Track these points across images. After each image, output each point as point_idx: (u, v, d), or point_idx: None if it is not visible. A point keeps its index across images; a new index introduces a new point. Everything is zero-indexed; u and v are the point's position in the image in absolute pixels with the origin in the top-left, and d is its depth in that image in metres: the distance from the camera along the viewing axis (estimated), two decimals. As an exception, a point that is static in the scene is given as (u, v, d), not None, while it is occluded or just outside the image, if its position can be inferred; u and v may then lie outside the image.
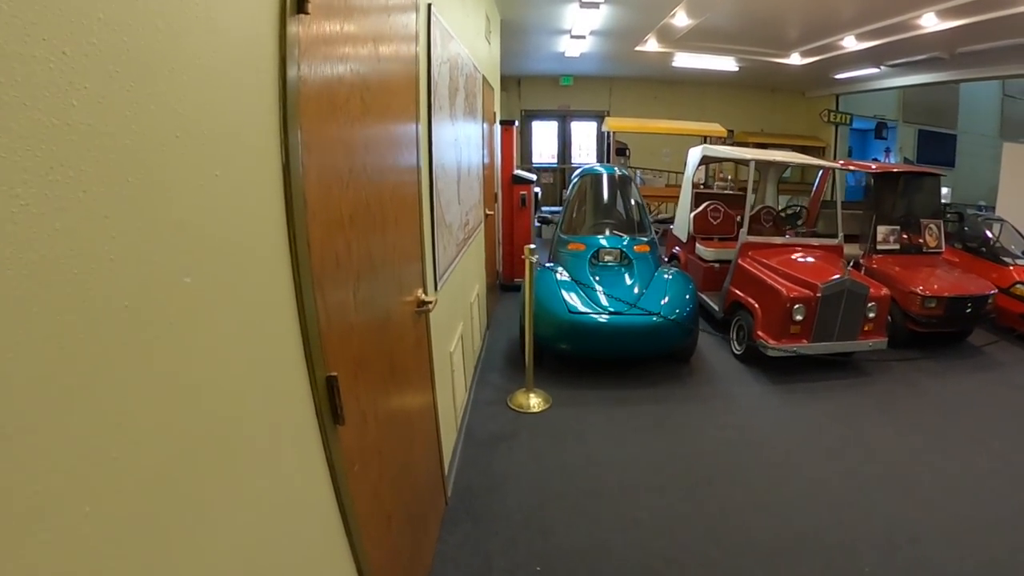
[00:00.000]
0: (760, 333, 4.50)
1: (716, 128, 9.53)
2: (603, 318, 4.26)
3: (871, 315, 4.57)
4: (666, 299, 4.42)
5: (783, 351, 4.38)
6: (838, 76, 10.72)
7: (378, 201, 1.85)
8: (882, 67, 9.31)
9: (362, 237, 1.71)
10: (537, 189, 6.89)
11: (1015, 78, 9.47)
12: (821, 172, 7.10)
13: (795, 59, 9.30)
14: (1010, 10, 5.41)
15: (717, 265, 5.79)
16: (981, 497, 3.22)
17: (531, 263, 3.95)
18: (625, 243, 5.02)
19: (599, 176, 5.88)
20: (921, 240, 5.93)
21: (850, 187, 11.36)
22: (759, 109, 13.22)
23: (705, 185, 9.61)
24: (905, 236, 5.82)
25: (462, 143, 3.72)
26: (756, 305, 4.59)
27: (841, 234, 5.23)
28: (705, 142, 8.98)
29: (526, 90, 12.69)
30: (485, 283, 5.36)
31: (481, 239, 5.06)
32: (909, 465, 3.55)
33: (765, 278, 4.58)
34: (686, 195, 6.55)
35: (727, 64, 9.99)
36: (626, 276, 4.71)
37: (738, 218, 6.39)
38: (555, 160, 13.57)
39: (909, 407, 4.33)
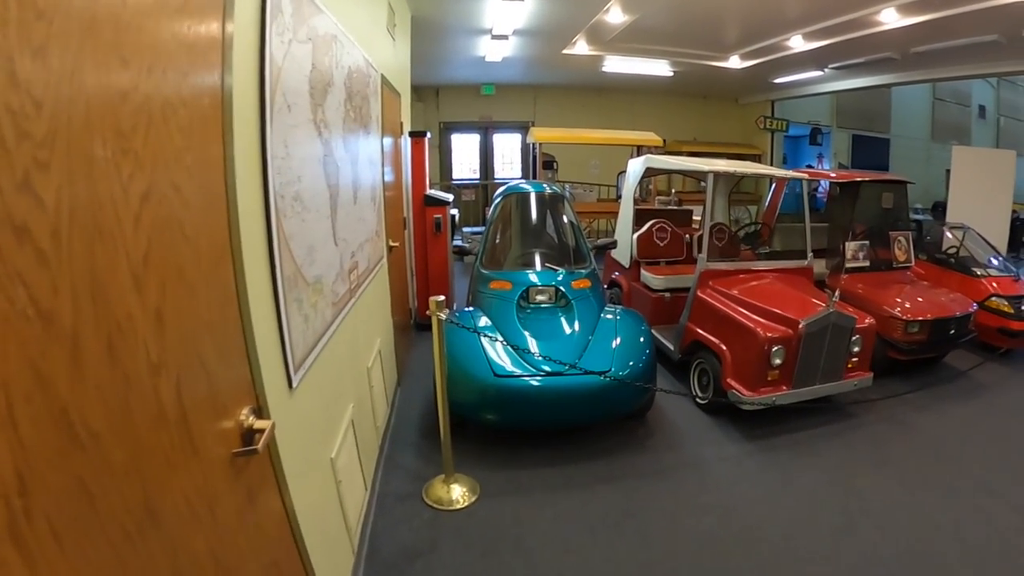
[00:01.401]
0: (731, 382, 3.77)
1: (651, 137, 8.99)
2: (537, 380, 3.42)
3: (855, 349, 3.94)
4: (616, 349, 3.64)
5: (760, 403, 3.67)
6: (777, 80, 10.48)
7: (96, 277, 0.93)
8: (826, 70, 9.05)
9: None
10: (454, 211, 6.02)
11: (966, 79, 9.43)
12: (775, 184, 6.58)
13: (734, 62, 8.91)
14: (977, 5, 5.02)
15: (668, 295, 5.07)
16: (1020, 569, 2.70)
17: (439, 320, 3.06)
18: (560, 278, 4.20)
19: (525, 195, 5.06)
20: (890, 255, 5.44)
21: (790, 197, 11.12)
22: (692, 117, 12.92)
23: (643, 200, 9.03)
24: (873, 251, 5.32)
25: (343, 161, 2.80)
26: (724, 348, 3.87)
27: (810, 254, 4.61)
28: (638, 152, 8.40)
29: (445, 100, 11.87)
30: (392, 330, 4.43)
31: (384, 279, 4.14)
32: (929, 537, 2.96)
33: (733, 315, 3.87)
34: (627, 213, 5.83)
35: (660, 69, 9.51)
36: (563, 322, 3.89)
37: (687, 237, 5.73)
38: (477, 175, 12.78)
39: (907, 454, 3.74)
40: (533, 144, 9.24)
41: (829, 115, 13.71)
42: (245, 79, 1.60)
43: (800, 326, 3.60)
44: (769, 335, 3.60)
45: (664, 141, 9.41)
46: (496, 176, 12.78)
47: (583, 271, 4.36)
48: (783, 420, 3.99)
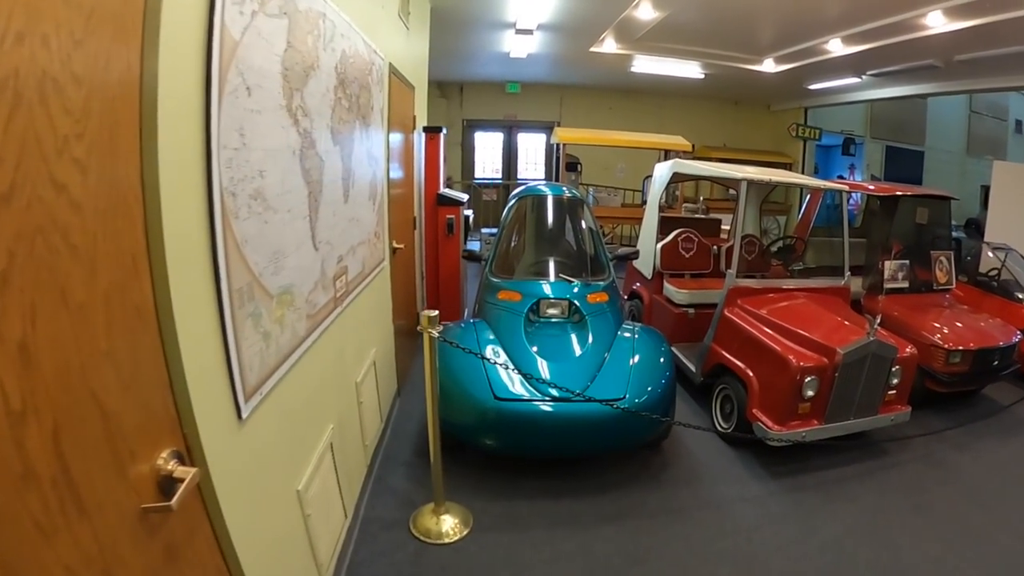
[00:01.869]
0: (757, 413, 3.42)
1: (679, 141, 8.61)
2: (545, 406, 3.09)
3: (894, 381, 3.57)
4: (631, 373, 3.30)
5: (788, 439, 3.31)
6: (812, 86, 10.02)
7: None
8: (864, 76, 8.58)
9: None
10: (468, 212, 5.73)
11: (1008, 91, 8.90)
12: (809, 195, 6.18)
13: (768, 66, 8.50)
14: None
15: (691, 311, 4.72)
16: None
17: (431, 338, 2.76)
18: (575, 290, 3.86)
19: (542, 198, 4.73)
20: (930, 275, 5.02)
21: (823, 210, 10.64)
22: (722, 123, 12.48)
23: (668, 206, 8.67)
24: (912, 271, 4.91)
25: (330, 155, 2.52)
26: (750, 374, 3.52)
27: (848, 273, 4.23)
28: (665, 157, 8.03)
29: (469, 97, 11.61)
30: (393, 337, 4.15)
31: (385, 283, 3.86)
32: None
33: (763, 339, 3.52)
34: (651, 221, 5.49)
35: (691, 71, 9.13)
36: (576, 340, 3.56)
37: (715, 249, 5.36)
38: (500, 175, 12.49)
39: (949, 503, 3.36)
40: (557, 144, 8.93)
41: (863, 125, 13.16)
42: (181, 52, 1.32)
43: (837, 355, 3.24)
44: (803, 364, 3.24)
45: (693, 146, 9.02)
46: (519, 177, 12.48)
47: (601, 283, 4.02)
48: (811, 456, 3.63)
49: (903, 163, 13.50)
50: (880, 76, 8.41)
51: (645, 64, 8.74)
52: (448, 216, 5.36)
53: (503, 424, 3.11)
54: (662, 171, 5.45)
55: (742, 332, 3.68)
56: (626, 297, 5.94)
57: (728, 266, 4.34)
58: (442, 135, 5.45)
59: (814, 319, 3.66)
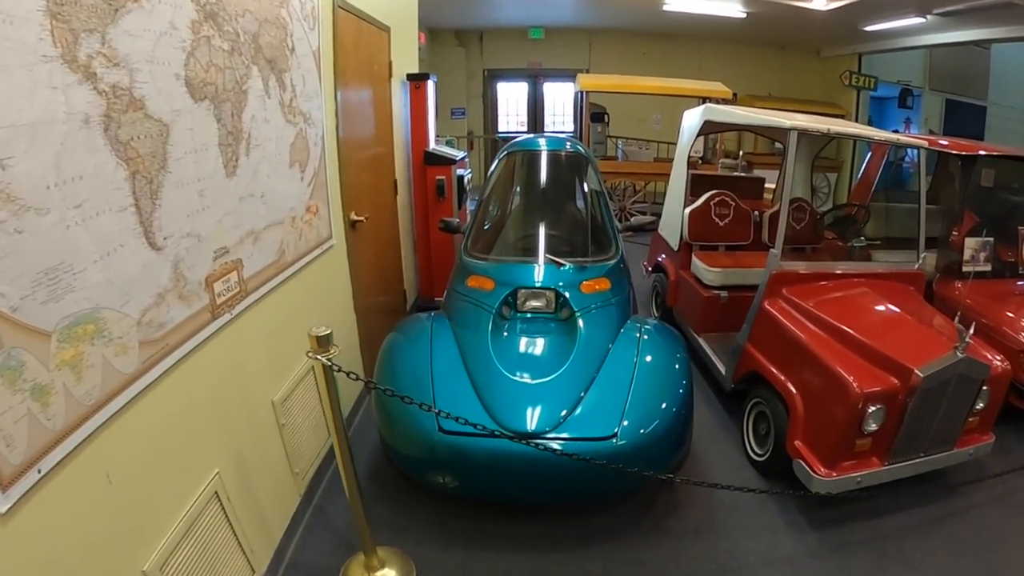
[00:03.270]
0: (800, 447, 2.48)
1: (719, 88, 7.39)
2: (506, 443, 2.20)
3: (980, 405, 2.57)
4: (631, 395, 2.36)
5: (838, 487, 2.39)
6: (868, 28, 8.50)
7: None
8: (929, 16, 7.11)
9: None
10: (463, 171, 4.79)
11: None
12: (871, 152, 5.01)
13: (818, 3, 7.12)
14: None
15: (724, 294, 3.75)
16: None
17: (323, 367, 1.92)
18: (565, 279, 2.87)
19: (534, 154, 3.70)
20: (1017, 257, 3.90)
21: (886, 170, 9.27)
22: (767, 69, 10.95)
23: (704, 161, 7.52)
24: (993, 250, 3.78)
25: (187, 117, 1.68)
26: (794, 393, 2.57)
27: (923, 254, 3.17)
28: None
29: (489, 45, 10.44)
30: (357, 325, 3.35)
31: (338, 265, 3.05)
32: None
33: (813, 347, 2.53)
34: (679, 179, 4.47)
35: (731, 10, 7.78)
36: (559, 346, 2.61)
37: (756, 215, 4.31)
38: (525, 128, 11.40)
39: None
40: (580, 93, 7.82)
41: (921, 75, 11.36)
42: None
43: (914, 377, 2.27)
44: (866, 390, 2.27)
45: (735, 95, 7.77)
46: (546, 130, 11.38)
47: (603, 266, 3.05)
48: (864, 498, 2.66)
49: (964, 118, 11.68)
50: (948, 16, 6.93)
51: (680, 2, 7.47)
52: (438, 177, 4.45)
53: (452, 463, 2.27)
54: (692, 119, 4.38)
55: (785, 333, 2.71)
56: (650, 269, 4.98)
57: (771, 239, 3.37)
58: (430, 83, 4.48)
59: (881, 320, 2.67)
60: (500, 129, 11.20)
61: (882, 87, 10.96)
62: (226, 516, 1.91)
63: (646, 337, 2.67)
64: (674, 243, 4.38)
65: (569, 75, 10.79)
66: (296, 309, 2.60)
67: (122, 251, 1.44)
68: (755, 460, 2.90)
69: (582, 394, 2.35)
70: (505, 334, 2.65)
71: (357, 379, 2.04)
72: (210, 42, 1.80)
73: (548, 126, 11.54)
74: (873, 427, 2.31)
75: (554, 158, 3.66)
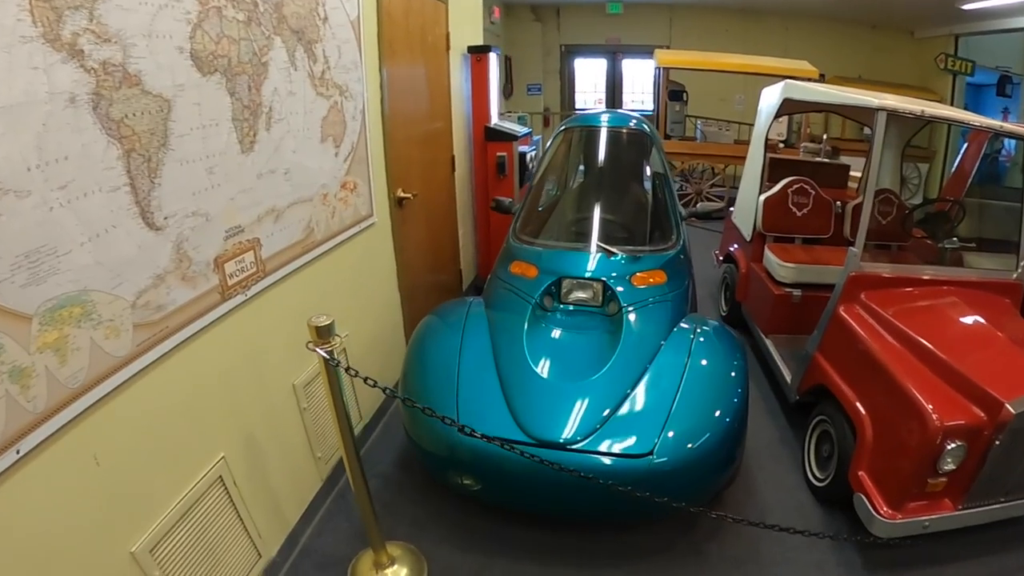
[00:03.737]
0: (864, 479, 2.09)
1: (805, 67, 6.68)
2: (532, 455, 1.92)
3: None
4: (677, 405, 2.05)
5: (903, 532, 1.99)
6: (967, 6, 7.41)
7: None
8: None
9: None
10: (526, 148, 4.50)
11: None
12: (968, 143, 4.32)
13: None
14: None
15: (798, 292, 3.31)
16: None
17: (323, 360, 1.74)
18: (615, 270, 2.54)
19: (593, 132, 3.35)
20: None
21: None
22: (857, 50, 9.82)
23: (787, 145, 6.86)
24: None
25: (193, 91, 1.56)
26: (864, 415, 2.16)
27: (1023, 262, 2.61)
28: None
29: (567, 20, 9.96)
30: (406, 303, 3.20)
31: (382, 244, 2.90)
32: None
33: (890, 365, 2.11)
34: (755, 163, 4.01)
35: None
36: (603, 344, 2.31)
37: (838, 206, 3.80)
38: (604, 106, 10.89)
39: None
40: (658, 69, 7.30)
41: (1022, 62, 9.91)
42: None
43: (1005, 411, 1.84)
44: (947, 423, 1.85)
45: (822, 76, 6.99)
46: (624, 107, 10.83)
47: (660, 256, 2.70)
48: (933, 540, 2.21)
49: (1069, 111, 10.12)
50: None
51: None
52: (499, 154, 4.19)
53: (474, 468, 2.06)
54: (770, 97, 3.89)
55: (860, 345, 2.29)
56: (720, 259, 4.54)
57: (853, 234, 2.94)
58: (493, 56, 4.20)
59: (971, 338, 2.20)
60: (577, 106, 10.76)
61: (979, 73, 9.56)
62: (231, 501, 1.83)
63: (701, 339, 2.33)
64: (746, 232, 3.94)
65: (649, 52, 10.12)
66: (328, 290, 2.46)
67: (114, 232, 1.34)
68: (814, 484, 2.52)
69: (620, 402, 2.06)
70: (543, 328, 2.38)
71: (367, 381, 1.85)
72: (221, 13, 1.64)
73: (627, 104, 10.99)
74: (950, 466, 1.90)
75: (614, 136, 3.29)
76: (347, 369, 1.79)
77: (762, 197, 3.74)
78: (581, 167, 3.36)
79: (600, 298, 2.48)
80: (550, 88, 10.34)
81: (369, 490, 1.98)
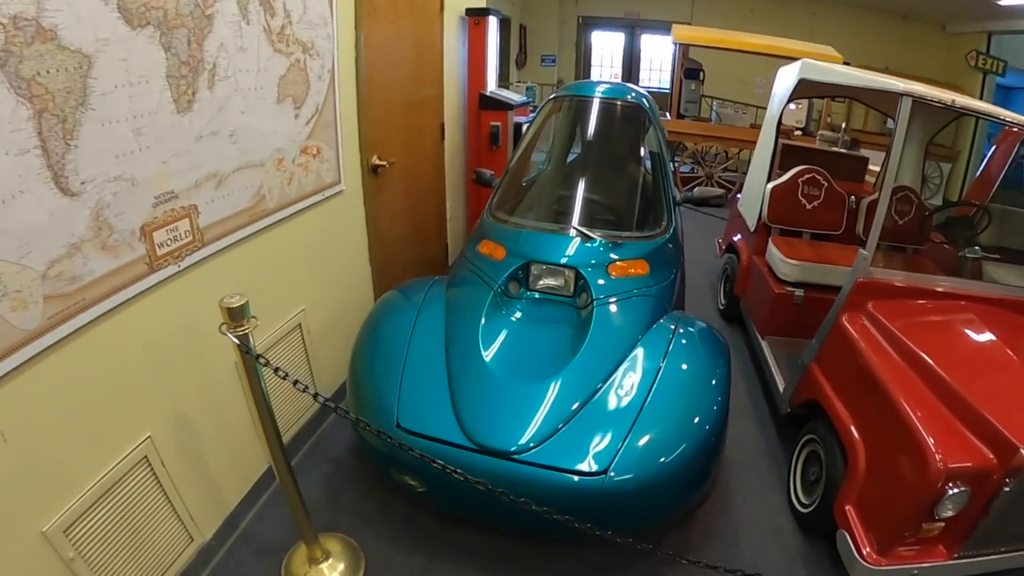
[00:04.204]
0: (850, 514, 1.80)
1: (829, 52, 6.20)
2: (469, 459, 1.70)
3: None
4: (642, 415, 1.76)
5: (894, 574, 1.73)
6: (1004, 2, 6.82)
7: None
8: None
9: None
10: (523, 119, 4.16)
11: None
12: (996, 144, 3.91)
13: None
14: None
15: (800, 293, 2.98)
16: None
17: (236, 347, 1.49)
18: (592, 257, 2.23)
19: (583, 103, 2.98)
20: None
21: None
22: (885, 40, 9.20)
23: (804, 133, 6.42)
24: None
25: (120, 45, 1.36)
26: (858, 441, 1.87)
27: None
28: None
29: (587, -10, 9.42)
30: (376, 278, 2.92)
31: (344, 215, 2.59)
32: None
33: (892, 388, 1.80)
34: (765, 149, 3.65)
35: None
36: (567, 340, 2.02)
37: (851, 200, 3.44)
38: (619, 79, 10.39)
39: None
40: (677, 46, 6.83)
41: None
42: None
43: (1019, 458, 1.53)
44: (951, 464, 1.55)
45: (847, 64, 6.49)
46: (641, 84, 10.32)
47: (645, 244, 2.37)
48: None
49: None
50: None
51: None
52: (492, 123, 3.86)
53: (408, 466, 1.80)
54: (785, 78, 3.50)
55: (860, 361, 1.99)
56: (723, 248, 4.21)
57: (866, 233, 2.63)
58: (492, 19, 3.82)
59: (987, 365, 1.88)
60: (592, 80, 10.28)
61: (1011, 74, 8.92)
62: (158, 482, 1.67)
63: (682, 341, 2.03)
64: (751, 222, 3.60)
65: (668, 28, 9.61)
66: (284, 261, 2.21)
67: (22, 198, 1.18)
68: (797, 509, 2.24)
69: (579, 409, 1.78)
70: (503, 317, 2.08)
71: (290, 380, 1.60)
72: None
73: (643, 81, 10.48)
74: (950, 512, 1.62)
75: (607, 108, 2.91)
76: (258, 357, 1.53)
77: (770, 185, 3.39)
78: (567, 140, 3.02)
79: (572, 287, 2.17)
80: (565, 60, 9.86)
81: (297, 484, 1.78)
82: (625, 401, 1.79)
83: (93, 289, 1.38)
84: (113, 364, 1.49)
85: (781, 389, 2.58)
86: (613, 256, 2.25)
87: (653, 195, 2.68)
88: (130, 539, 1.59)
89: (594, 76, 10.40)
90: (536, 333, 2.04)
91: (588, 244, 2.26)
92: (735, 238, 3.93)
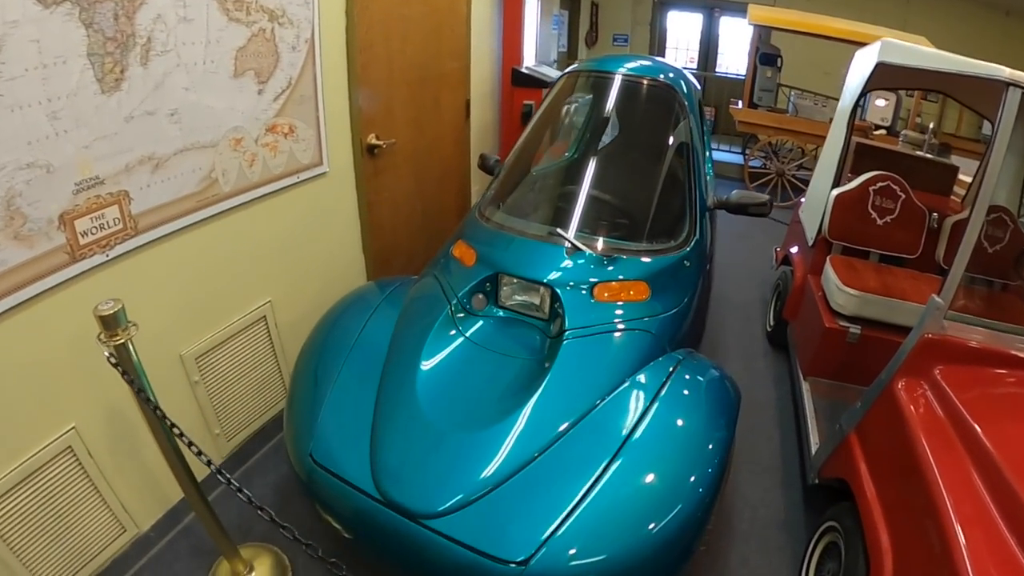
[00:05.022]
0: None
1: (922, 43, 5.17)
2: (380, 510, 1.31)
3: None
4: (602, 491, 1.29)
5: None
6: None
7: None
8: None
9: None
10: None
11: None
12: None
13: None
14: None
15: (856, 331, 2.30)
16: None
17: (108, 360, 1.33)
18: (577, 275, 1.70)
19: (604, 80, 2.33)
20: None
21: None
22: (985, 36, 7.68)
23: (890, 133, 5.48)
24: None
25: (29, 26, 1.01)
26: (886, 549, 1.34)
27: None
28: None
29: (666, -33, 8.48)
30: (366, 264, 2.58)
31: (326, 201, 2.23)
32: None
33: (944, 494, 1.26)
34: (834, 146, 2.95)
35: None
36: (528, 380, 1.52)
37: (932, 218, 2.73)
38: (695, 65, 9.44)
39: None
40: (752, 27, 5.98)
41: None
42: None
43: None
44: None
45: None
46: (718, 70, 9.35)
47: (653, 261, 1.81)
48: None
49: None
50: None
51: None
52: (525, 102, 3.37)
53: (318, 500, 1.46)
54: (862, 63, 2.77)
55: (911, 447, 1.40)
56: (779, 260, 3.50)
57: (948, 259, 2.04)
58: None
59: None
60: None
61: None
62: (85, 472, 1.54)
63: (679, 391, 1.53)
64: (810, 234, 2.92)
65: (752, 9, 8.59)
66: (244, 250, 1.91)
67: None
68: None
69: (517, 470, 1.34)
70: (454, 340, 1.65)
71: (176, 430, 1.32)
72: None
73: (721, 66, 9.48)
74: None
75: (630, 88, 2.28)
76: (124, 374, 1.23)
77: (835, 192, 2.71)
78: (579, 125, 2.48)
79: (547, 309, 1.70)
80: (638, 40, 9.02)
81: (207, 502, 1.56)
82: (578, 467, 1.33)
83: (5, 280, 1.25)
84: (31, 357, 1.36)
85: (813, 450, 2.02)
86: (603, 274, 1.73)
87: (674, 199, 2.10)
88: (54, 524, 1.49)
89: (668, 59, 9.49)
90: (489, 365, 1.59)
91: (573, 257, 1.76)
92: (792, 250, 3.23)
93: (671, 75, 2.34)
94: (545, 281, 1.68)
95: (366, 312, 1.77)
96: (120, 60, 1.35)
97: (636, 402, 1.46)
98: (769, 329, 3.28)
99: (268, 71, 1.78)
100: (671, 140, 2.25)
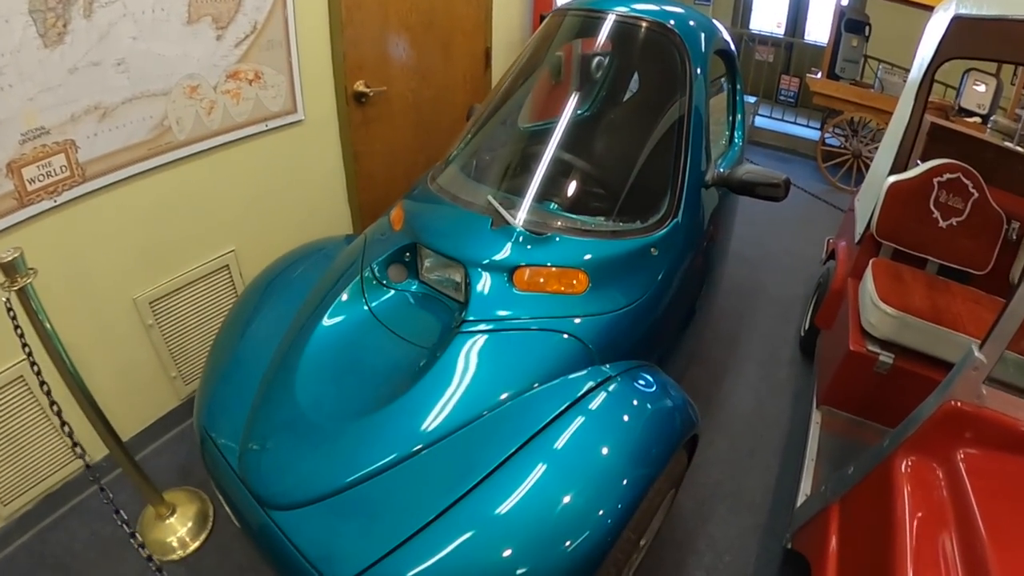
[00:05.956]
0: None
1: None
2: (237, 488, 1.11)
3: None
4: (470, 505, 0.98)
5: None
6: None
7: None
8: None
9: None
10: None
11: None
12: None
13: None
14: None
15: (888, 358, 1.76)
16: None
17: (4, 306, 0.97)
18: (498, 254, 1.29)
19: (591, 22, 1.71)
20: None
21: None
22: None
23: (985, 122, 4.48)
24: None
25: None
26: None
27: None
28: None
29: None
30: (352, 214, 2.33)
31: (300, 150, 1.97)
32: None
33: None
34: (898, 124, 2.31)
35: None
36: (419, 369, 1.21)
37: (1012, 229, 2.07)
38: (783, 30, 8.22)
39: None
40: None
41: None
42: None
43: None
44: None
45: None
46: (806, 37, 8.10)
47: (599, 244, 1.35)
48: None
49: None
50: None
51: None
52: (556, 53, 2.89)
53: (206, 468, 1.27)
54: (937, 25, 2.09)
55: (895, 552, 0.99)
56: (826, 255, 2.89)
57: (1020, 278, 1.53)
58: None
59: None
60: (751, 26, 8.22)
61: None
62: (36, 400, 1.53)
63: (598, 416, 1.13)
64: (859, 228, 2.32)
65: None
66: (204, 197, 1.73)
67: None
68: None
69: (372, 473, 1.06)
70: (356, 314, 1.36)
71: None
72: None
73: (809, 35, 8.20)
74: None
75: (624, 32, 1.72)
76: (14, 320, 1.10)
77: (891, 179, 2.09)
78: (556, 75, 1.99)
79: (463, 290, 1.35)
80: (722, 1, 7.93)
81: (126, 449, 1.48)
82: (438, 485, 1.03)
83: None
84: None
85: (798, 503, 1.60)
86: (529, 256, 1.31)
87: (654, 169, 1.56)
88: (8, 444, 1.51)
89: (753, 22, 8.31)
90: (383, 347, 1.30)
91: (498, 231, 1.35)
92: (841, 243, 2.59)
93: (676, 19, 1.69)
94: (457, 258, 1.33)
95: (293, 269, 1.54)
96: (63, 15, 1.30)
97: (525, 421, 1.11)
98: (803, 334, 2.68)
99: (228, 16, 1.54)
100: (662, 97, 1.69)
